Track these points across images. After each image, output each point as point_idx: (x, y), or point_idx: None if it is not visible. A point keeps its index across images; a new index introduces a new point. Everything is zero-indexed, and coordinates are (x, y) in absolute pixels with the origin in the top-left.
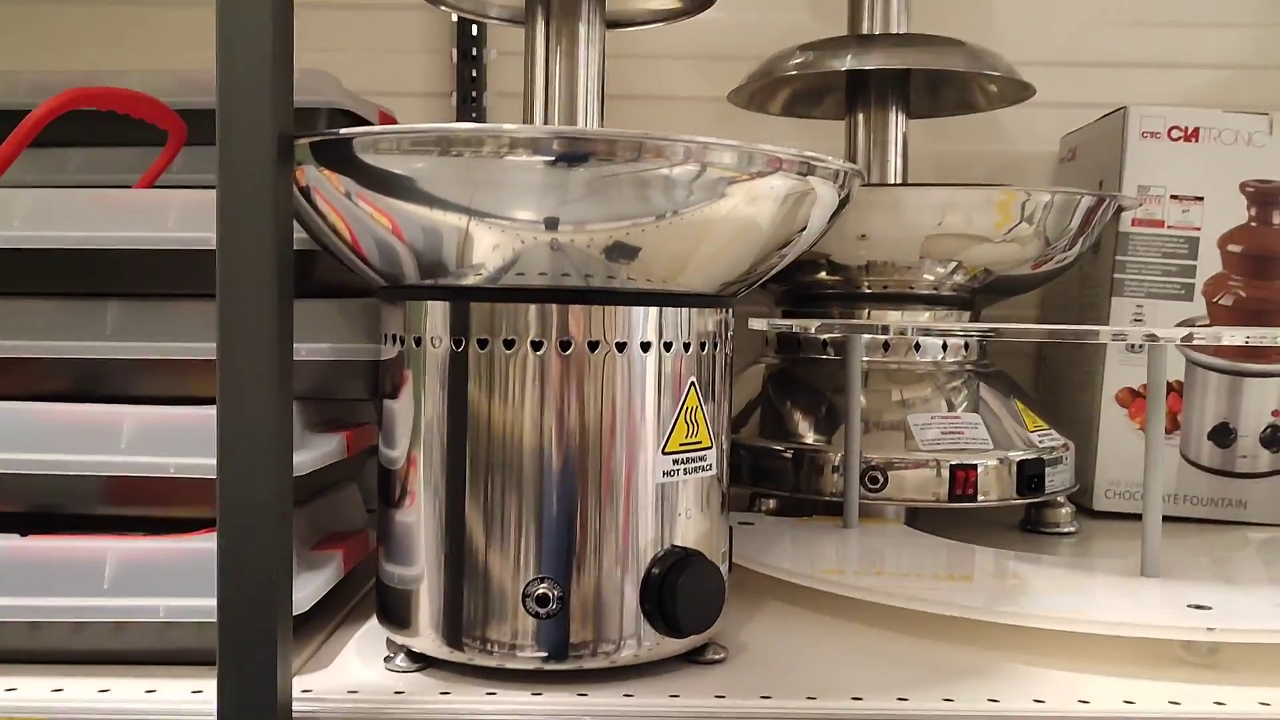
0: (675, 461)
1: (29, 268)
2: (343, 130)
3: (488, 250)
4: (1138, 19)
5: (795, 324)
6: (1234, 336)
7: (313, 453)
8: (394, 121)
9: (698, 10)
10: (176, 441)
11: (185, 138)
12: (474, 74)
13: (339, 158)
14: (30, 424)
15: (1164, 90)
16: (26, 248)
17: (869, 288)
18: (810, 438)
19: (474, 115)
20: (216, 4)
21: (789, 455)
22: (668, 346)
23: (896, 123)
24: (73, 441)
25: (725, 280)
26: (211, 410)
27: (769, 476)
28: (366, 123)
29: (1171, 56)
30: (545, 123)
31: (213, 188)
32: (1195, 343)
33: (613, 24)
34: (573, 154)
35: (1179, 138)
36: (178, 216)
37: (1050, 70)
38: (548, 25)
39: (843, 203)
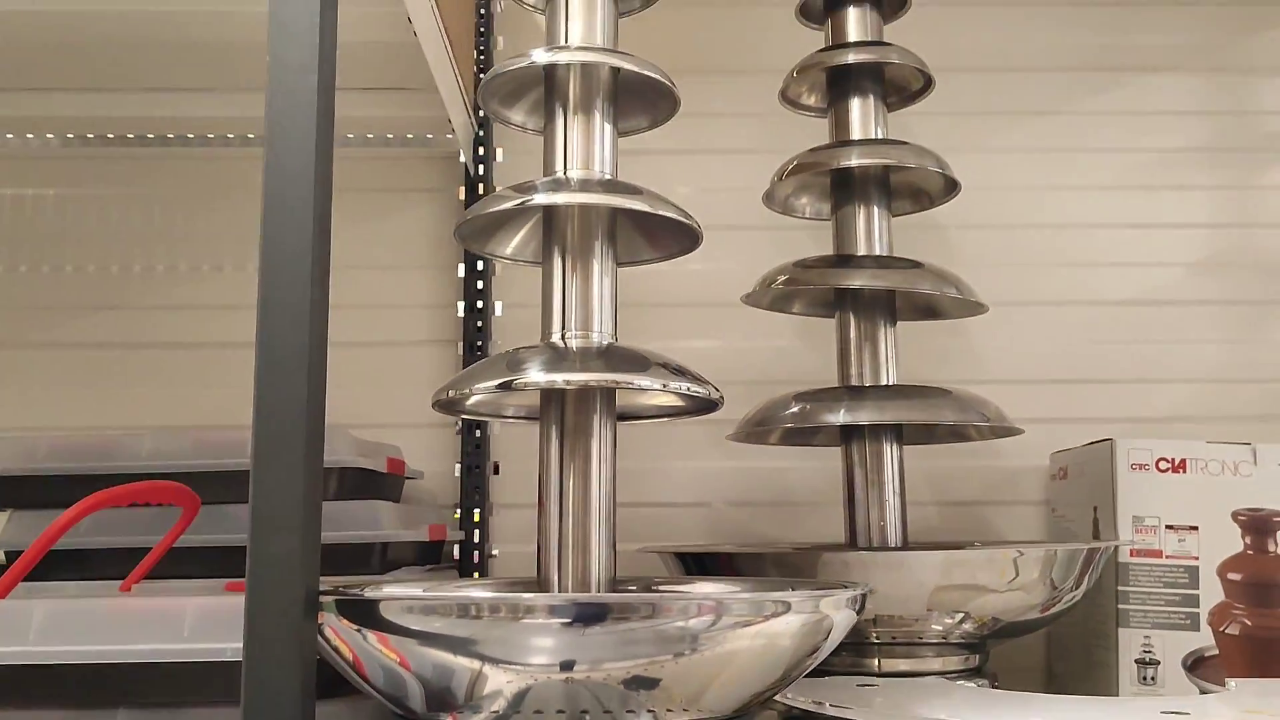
0: None
1: (42, 680)
2: (367, 593)
3: (500, 685)
4: (1119, 338)
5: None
6: None
7: None
8: (402, 468)
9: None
10: None
11: (199, 509)
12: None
13: (360, 613)
14: None
15: (1148, 404)
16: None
17: (877, 638)
18: None
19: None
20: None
21: None
22: None
23: (890, 453)
24: None
25: (749, 698)
26: None
27: None
28: (376, 477)
29: (1154, 373)
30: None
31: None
32: None
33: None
34: (588, 616)
35: (1167, 469)
36: (193, 625)
37: (1037, 387)
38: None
39: (859, 611)
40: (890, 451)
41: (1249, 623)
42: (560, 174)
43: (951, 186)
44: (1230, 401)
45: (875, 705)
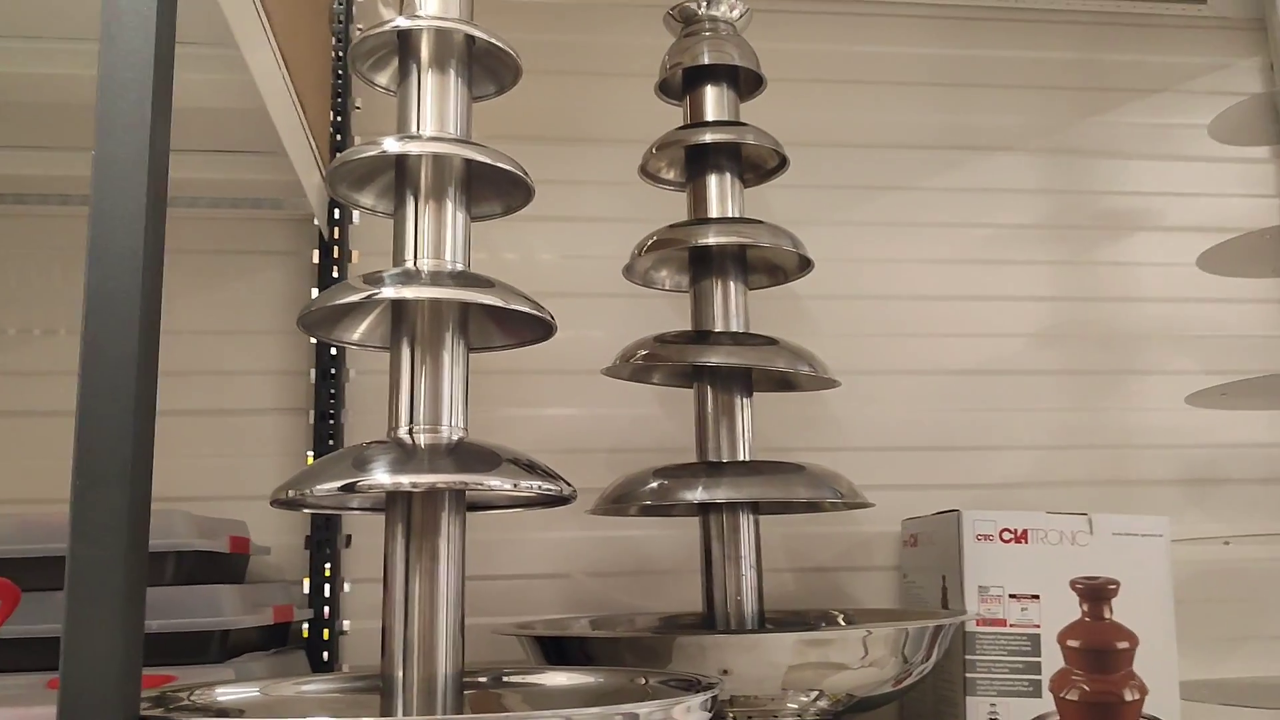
0: None
1: None
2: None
3: None
4: (965, 406)
5: None
6: None
7: None
8: (246, 546)
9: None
10: None
11: (18, 601)
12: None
13: None
14: None
15: (991, 471)
16: None
17: (734, 717)
18: None
19: (331, 436)
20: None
21: None
22: None
23: (746, 527)
24: None
25: None
26: None
27: None
28: (217, 558)
29: (997, 440)
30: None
31: None
32: None
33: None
34: None
35: (1010, 539)
36: None
37: (890, 455)
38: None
39: (711, 709)
40: (747, 525)
41: (1087, 688)
42: (410, 264)
43: (805, 264)
44: (1068, 468)
45: None
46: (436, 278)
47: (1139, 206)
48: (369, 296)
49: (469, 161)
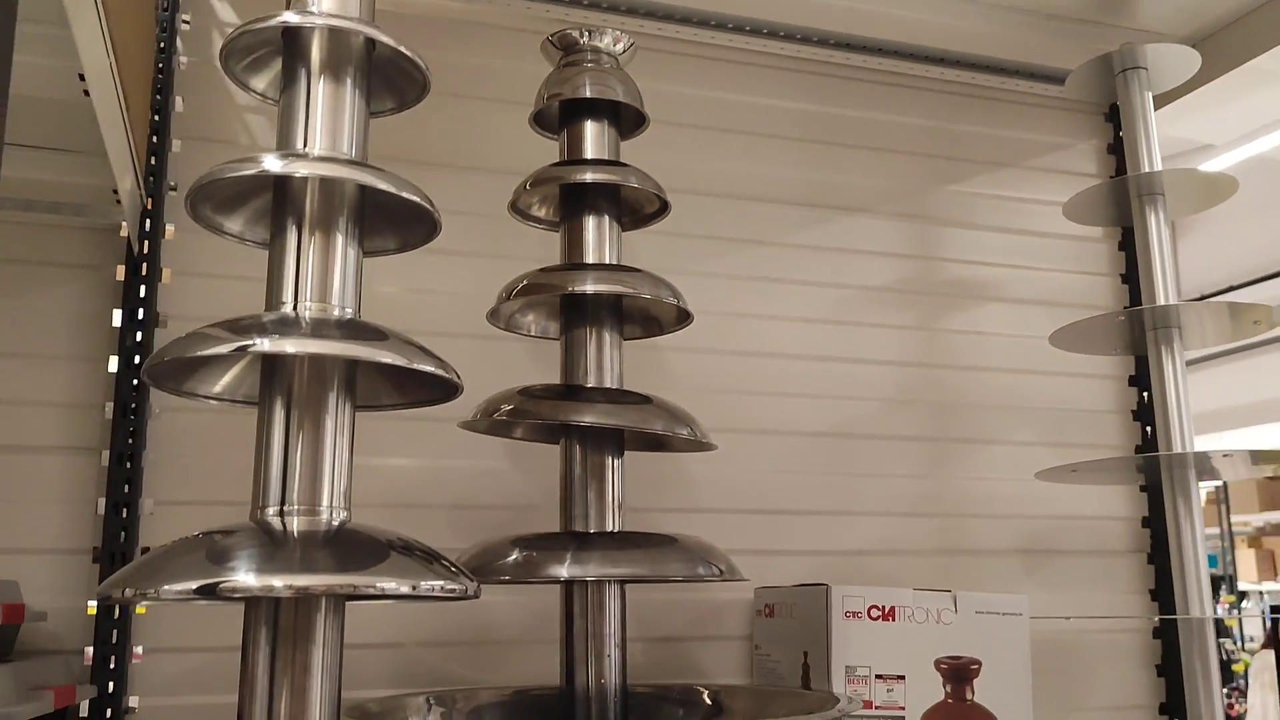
0: None
1: None
2: None
3: None
4: (818, 469)
5: None
6: None
7: None
8: (19, 614)
9: None
10: None
11: None
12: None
13: None
14: None
15: (841, 536)
16: None
17: None
18: None
19: (129, 480)
20: None
21: None
22: None
23: (612, 605)
24: None
25: None
26: None
27: None
28: None
29: (848, 505)
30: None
31: None
32: None
33: None
34: None
35: (878, 616)
36: None
37: (743, 518)
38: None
39: None
40: (612, 599)
41: None
42: (289, 310)
43: (684, 316)
44: (916, 536)
45: None
46: (321, 327)
47: (985, 277)
48: (239, 348)
49: (365, 188)
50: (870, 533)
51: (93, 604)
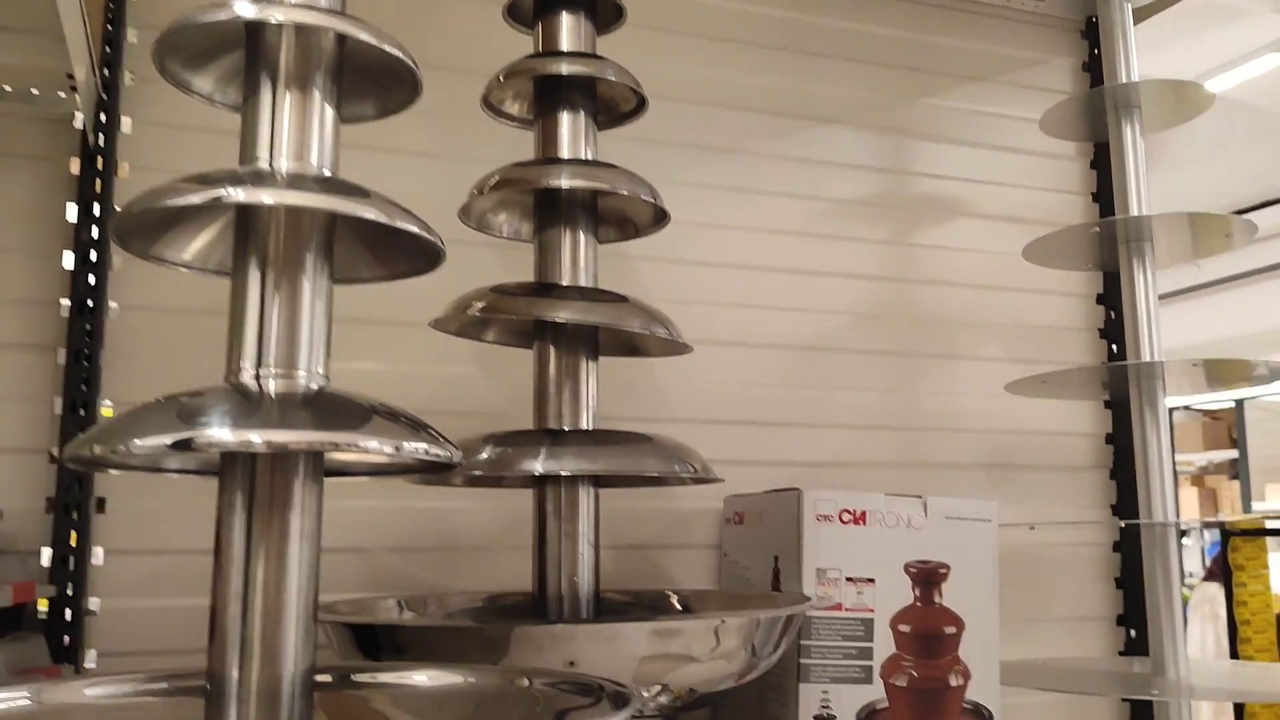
0: None
1: None
2: None
3: None
4: (789, 382)
5: None
6: None
7: None
8: None
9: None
10: None
11: None
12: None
13: None
14: None
15: (810, 448)
16: None
17: None
18: None
19: (86, 380)
20: None
21: None
22: None
23: (586, 503)
24: None
25: None
26: None
27: None
28: None
29: (819, 418)
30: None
31: None
32: None
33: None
34: None
35: (849, 520)
36: None
37: (715, 428)
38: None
39: None
40: (587, 500)
41: (916, 674)
42: (264, 164)
43: (661, 217)
44: (883, 449)
45: None
46: (299, 181)
47: (957, 192)
48: (214, 199)
49: (344, 39)
50: (838, 445)
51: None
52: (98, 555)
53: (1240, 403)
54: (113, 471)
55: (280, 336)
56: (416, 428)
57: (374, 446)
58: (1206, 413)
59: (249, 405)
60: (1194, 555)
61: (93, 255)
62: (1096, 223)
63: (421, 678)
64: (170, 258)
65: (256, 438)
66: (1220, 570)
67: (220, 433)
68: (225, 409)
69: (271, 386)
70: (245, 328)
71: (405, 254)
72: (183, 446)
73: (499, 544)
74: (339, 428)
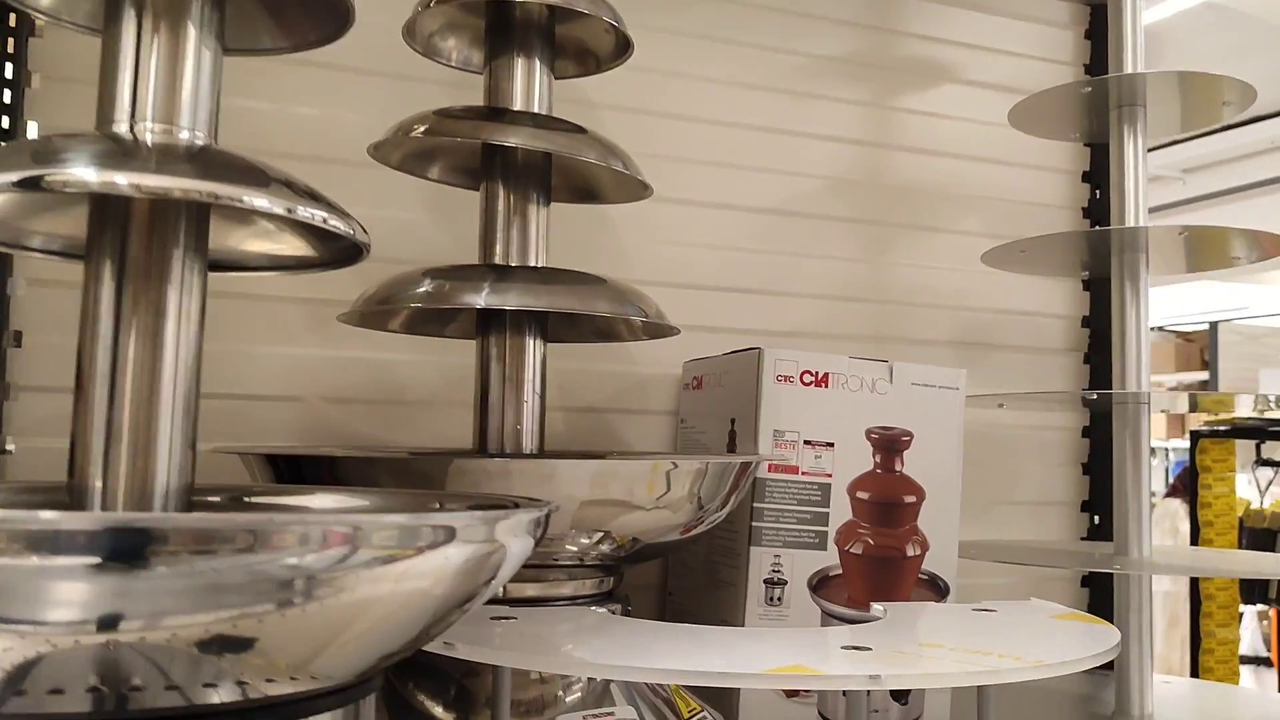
0: None
1: None
2: None
3: None
4: (756, 247)
5: None
6: None
7: None
8: None
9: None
10: None
11: None
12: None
13: None
14: None
15: (776, 317)
16: None
17: None
18: None
19: None
20: None
21: None
22: None
23: (532, 349)
24: None
25: (377, 660)
26: None
27: None
28: None
29: (786, 286)
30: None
31: None
32: None
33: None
34: (141, 547)
35: (810, 382)
36: None
37: (675, 291)
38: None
39: (539, 540)
40: (533, 347)
41: (872, 542)
42: None
43: (624, 48)
44: (852, 320)
45: (523, 646)
46: None
47: (944, 56)
48: None
49: None
50: (805, 314)
51: None
52: (13, 392)
53: (1215, 325)
54: (20, 290)
55: (160, 88)
56: (316, 198)
57: (263, 205)
58: (1180, 334)
59: (120, 150)
60: (1159, 475)
61: (12, 21)
62: (1088, 80)
63: (326, 500)
64: (40, 6)
65: (123, 180)
66: (1184, 486)
67: (82, 172)
68: (93, 151)
69: (148, 138)
70: (118, 78)
71: (311, 19)
72: (31, 185)
73: (442, 399)
74: (224, 180)
